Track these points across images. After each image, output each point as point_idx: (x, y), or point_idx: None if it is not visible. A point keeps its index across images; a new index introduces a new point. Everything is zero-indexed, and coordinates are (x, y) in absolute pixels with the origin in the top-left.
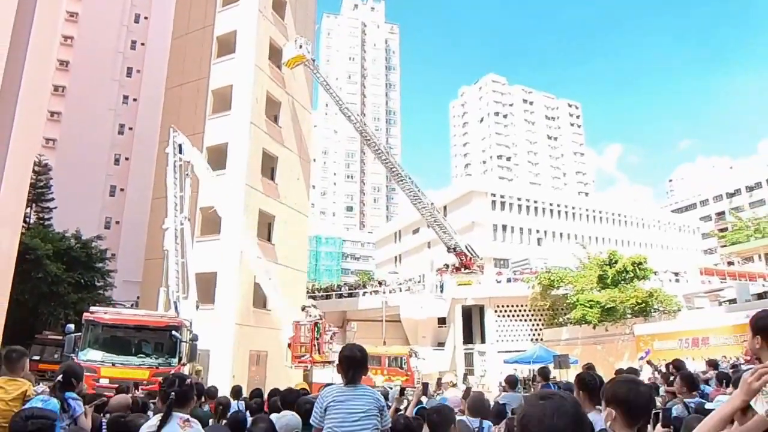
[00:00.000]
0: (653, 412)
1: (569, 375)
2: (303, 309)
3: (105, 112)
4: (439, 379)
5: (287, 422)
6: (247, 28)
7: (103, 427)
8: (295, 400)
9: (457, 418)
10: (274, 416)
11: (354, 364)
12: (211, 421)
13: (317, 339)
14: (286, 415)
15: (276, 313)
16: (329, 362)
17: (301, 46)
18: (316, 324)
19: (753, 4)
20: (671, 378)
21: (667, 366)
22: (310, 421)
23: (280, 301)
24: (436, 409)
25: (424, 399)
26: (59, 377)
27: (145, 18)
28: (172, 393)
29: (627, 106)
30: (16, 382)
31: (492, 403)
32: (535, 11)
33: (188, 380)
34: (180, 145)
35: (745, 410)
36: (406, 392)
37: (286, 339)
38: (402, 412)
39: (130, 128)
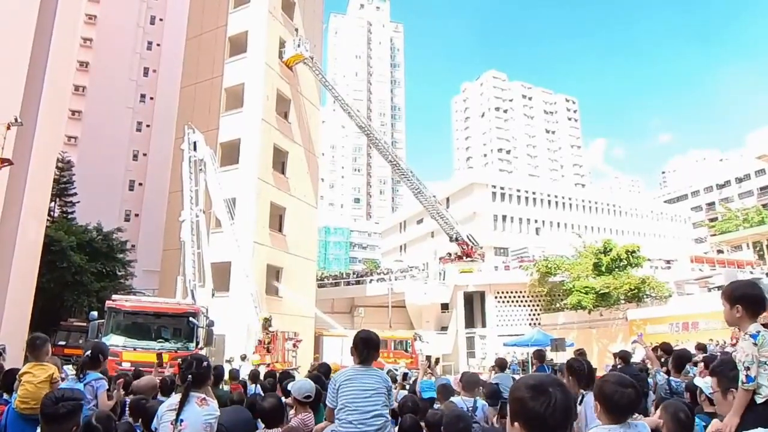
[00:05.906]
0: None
1: (566, 357)
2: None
3: (123, 110)
4: (438, 359)
5: (300, 386)
6: (258, 28)
7: (126, 406)
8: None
9: (452, 399)
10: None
11: (369, 347)
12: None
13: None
14: (299, 382)
15: (287, 301)
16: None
17: (299, 45)
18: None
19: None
20: (661, 360)
21: (654, 348)
22: (326, 402)
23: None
24: (458, 415)
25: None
26: (87, 352)
27: (160, 20)
28: (190, 375)
29: (611, 101)
30: (43, 366)
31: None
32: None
33: (205, 362)
34: (195, 143)
35: None
36: (408, 375)
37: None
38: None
39: (148, 125)
